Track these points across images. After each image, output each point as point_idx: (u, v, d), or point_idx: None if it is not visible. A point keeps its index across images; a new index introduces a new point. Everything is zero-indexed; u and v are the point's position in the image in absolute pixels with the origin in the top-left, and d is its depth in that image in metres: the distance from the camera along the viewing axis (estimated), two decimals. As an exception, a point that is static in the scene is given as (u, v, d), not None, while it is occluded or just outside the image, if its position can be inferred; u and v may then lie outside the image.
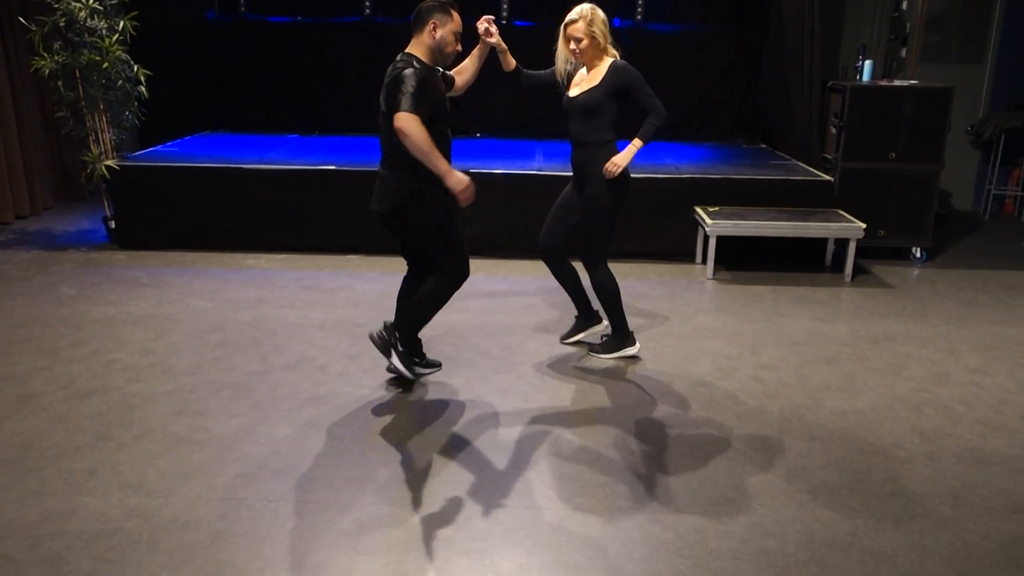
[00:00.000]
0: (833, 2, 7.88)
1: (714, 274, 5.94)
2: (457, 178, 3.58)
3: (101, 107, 6.32)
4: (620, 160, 4.08)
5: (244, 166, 6.36)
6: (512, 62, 4.24)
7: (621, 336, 4.47)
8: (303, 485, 3.20)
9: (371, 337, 3.96)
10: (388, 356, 3.94)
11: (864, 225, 5.83)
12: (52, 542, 2.83)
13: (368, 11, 8.09)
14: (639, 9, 7.90)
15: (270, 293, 5.43)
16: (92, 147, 6.31)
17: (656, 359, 4.48)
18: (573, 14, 4.07)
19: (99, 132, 6.36)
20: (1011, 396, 4.11)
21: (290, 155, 6.87)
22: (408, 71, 3.54)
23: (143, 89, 6.49)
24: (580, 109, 4.12)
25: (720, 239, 5.88)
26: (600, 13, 4.09)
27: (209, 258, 6.18)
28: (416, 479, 3.27)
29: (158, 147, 7.21)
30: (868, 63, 6.77)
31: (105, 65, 6.15)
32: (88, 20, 6.13)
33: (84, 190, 7.69)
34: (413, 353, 4.10)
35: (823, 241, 6.26)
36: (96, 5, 6.20)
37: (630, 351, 4.47)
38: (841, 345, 4.72)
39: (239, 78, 8.20)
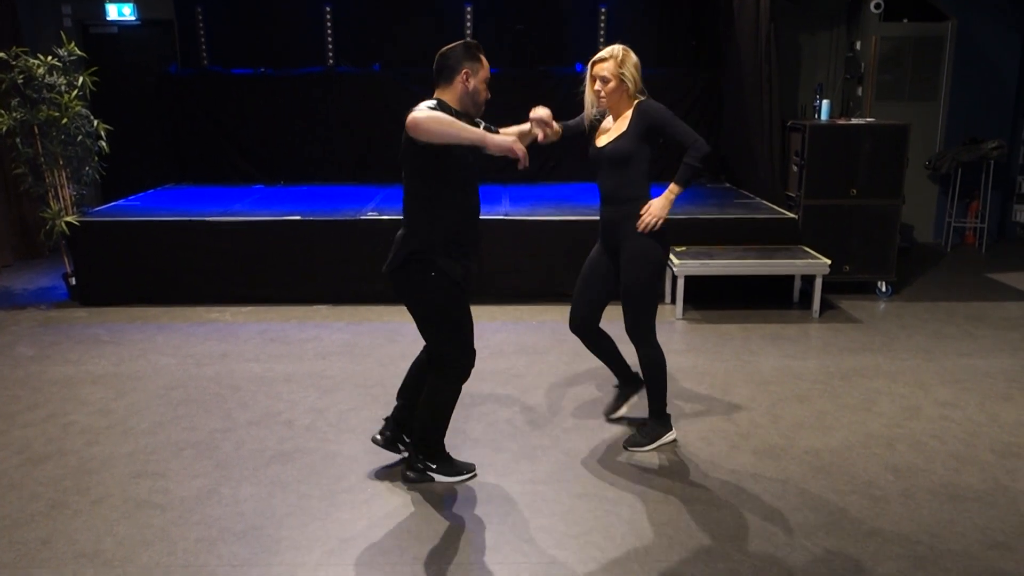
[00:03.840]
0: (789, 44, 8.07)
1: (683, 314, 5.95)
2: (497, 142, 3.08)
3: (60, 163, 6.24)
4: (658, 211, 3.65)
5: (207, 218, 6.28)
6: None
7: (662, 421, 3.94)
8: (268, 547, 3.09)
9: (374, 440, 3.69)
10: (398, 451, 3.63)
11: (829, 261, 5.88)
12: (1, 620, 2.70)
13: (331, 62, 8.14)
14: (600, 54, 8.03)
15: (234, 347, 5.33)
16: (51, 203, 6.21)
17: (627, 403, 4.43)
18: (604, 52, 3.68)
19: (58, 188, 6.27)
20: (981, 428, 4.11)
21: (255, 206, 6.81)
22: (423, 103, 3.20)
23: (104, 144, 6.44)
24: (609, 160, 3.71)
25: (688, 279, 5.90)
26: (633, 56, 3.70)
27: (172, 312, 6.07)
28: (386, 539, 3.17)
29: (120, 201, 7.13)
30: (825, 102, 6.91)
31: (64, 121, 6.08)
32: (47, 76, 6.09)
33: (44, 247, 7.59)
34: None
35: (790, 278, 6.31)
36: (55, 62, 6.16)
37: (669, 438, 3.93)
38: (812, 382, 4.72)
39: (202, 131, 8.15)
